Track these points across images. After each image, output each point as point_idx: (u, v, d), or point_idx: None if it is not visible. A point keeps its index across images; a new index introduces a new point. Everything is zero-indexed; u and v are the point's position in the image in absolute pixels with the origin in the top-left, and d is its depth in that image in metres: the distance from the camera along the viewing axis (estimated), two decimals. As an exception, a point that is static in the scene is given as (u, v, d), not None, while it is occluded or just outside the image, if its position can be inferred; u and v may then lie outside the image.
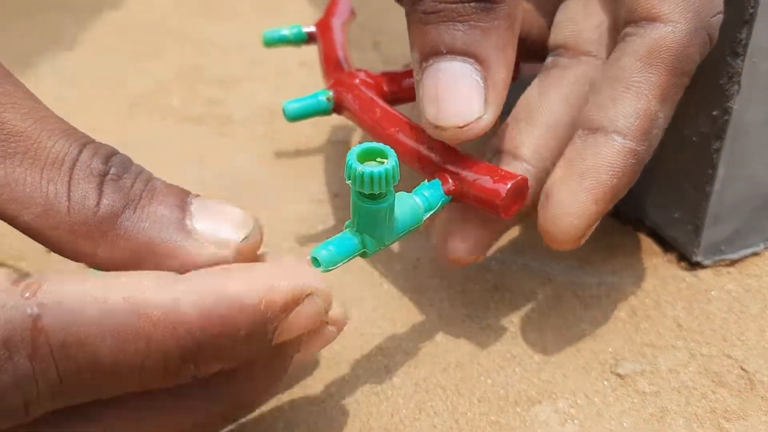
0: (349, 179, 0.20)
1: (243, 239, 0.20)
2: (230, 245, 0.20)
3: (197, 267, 0.19)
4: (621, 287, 0.30)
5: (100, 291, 0.18)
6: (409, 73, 0.30)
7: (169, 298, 0.18)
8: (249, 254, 0.21)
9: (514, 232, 0.33)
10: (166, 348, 0.18)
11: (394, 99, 0.29)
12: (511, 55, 0.24)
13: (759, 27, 0.26)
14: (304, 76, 0.45)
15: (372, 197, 0.21)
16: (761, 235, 0.31)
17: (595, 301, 0.29)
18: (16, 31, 0.49)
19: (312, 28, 0.35)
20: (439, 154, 0.24)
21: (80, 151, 0.20)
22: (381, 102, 0.27)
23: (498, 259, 0.31)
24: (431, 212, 0.23)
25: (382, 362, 0.27)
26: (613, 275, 0.30)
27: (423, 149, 0.25)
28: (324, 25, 0.34)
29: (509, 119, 0.27)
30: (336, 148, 0.39)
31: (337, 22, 0.34)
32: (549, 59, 0.28)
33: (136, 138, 0.39)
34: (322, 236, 0.33)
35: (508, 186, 0.23)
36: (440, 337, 0.28)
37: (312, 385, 0.26)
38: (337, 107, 0.28)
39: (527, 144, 0.26)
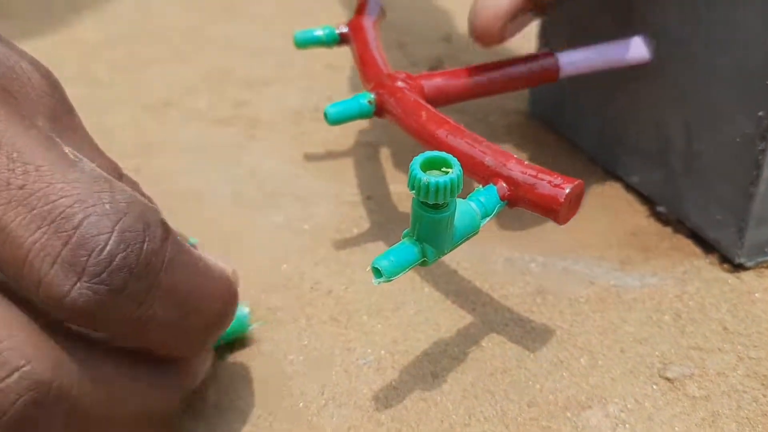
0: (413, 189, 0.20)
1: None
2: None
3: None
4: (664, 289, 0.30)
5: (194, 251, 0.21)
6: (447, 74, 0.29)
7: (220, 267, 0.22)
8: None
9: (553, 235, 0.32)
10: (218, 306, 0.21)
11: (434, 101, 0.29)
12: None
13: (809, 27, 0.25)
14: (331, 78, 0.44)
15: (435, 207, 0.20)
16: (804, 236, 0.31)
17: (638, 303, 0.29)
18: (36, 34, 0.49)
19: (344, 29, 0.35)
20: (493, 158, 0.24)
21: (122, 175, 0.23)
22: (426, 105, 0.27)
23: (539, 263, 0.31)
24: (488, 218, 0.23)
25: (428, 368, 0.27)
26: (655, 277, 0.30)
27: (476, 153, 0.24)
28: (357, 25, 0.34)
29: None
30: (365, 149, 0.38)
31: (369, 23, 0.34)
32: None
33: (164, 140, 0.39)
34: (358, 239, 0.32)
35: (567, 191, 0.23)
36: (485, 341, 0.28)
37: (360, 391, 0.26)
38: (379, 110, 0.28)
39: None
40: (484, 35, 0.28)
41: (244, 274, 0.30)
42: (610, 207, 0.34)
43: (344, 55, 0.44)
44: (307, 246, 0.32)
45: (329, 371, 0.27)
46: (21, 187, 0.18)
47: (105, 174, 0.19)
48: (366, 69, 0.30)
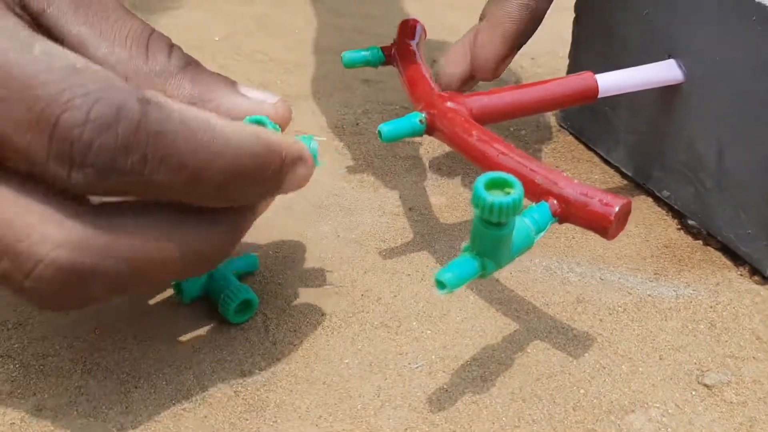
0: (477, 207, 0.22)
1: (278, 101, 0.26)
2: (270, 101, 0.26)
3: (245, 115, 0.25)
4: (698, 300, 0.31)
5: (185, 108, 0.22)
6: (493, 94, 0.31)
7: (231, 131, 0.23)
8: (281, 117, 0.26)
9: (588, 246, 0.34)
10: (221, 169, 0.22)
11: (480, 120, 0.30)
12: None
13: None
14: (366, 93, 0.46)
15: (497, 225, 0.22)
16: (830, 250, 0.32)
17: (674, 313, 0.30)
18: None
19: (390, 50, 0.36)
20: (544, 177, 0.26)
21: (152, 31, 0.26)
22: (476, 124, 0.28)
23: (576, 273, 0.32)
24: (541, 234, 0.25)
25: (477, 372, 0.28)
26: (688, 287, 0.32)
27: (527, 172, 0.26)
28: (403, 47, 0.35)
29: None
30: (404, 162, 0.40)
31: (414, 44, 0.36)
32: None
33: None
34: (403, 249, 0.34)
35: (616, 209, 0.24)
36: (530, 347, 0.29)
37: (414, 393, 0.27)
38: (429, 129, 0.30)
39: None
40: (486, 70, 0.34)
41: (298, 280, 0.32)
42: (642, 220, 0.36)
43: (378, 70, 0.46)
44: (356, 255, 0.33)
45: (383, 374, 0.28)
46: (2, 99, 0.20)
47: (81, 63, 0.21)
48: (415, 89, 0.32)
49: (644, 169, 0.37)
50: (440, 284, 0.23)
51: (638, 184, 0.38)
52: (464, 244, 0.24)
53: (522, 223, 0.24)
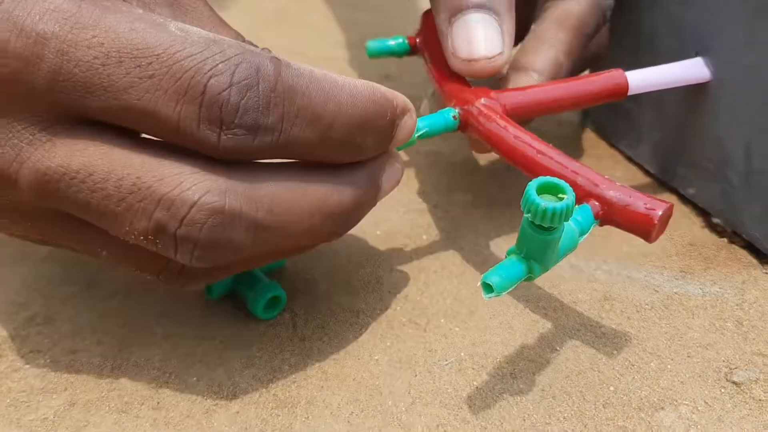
0: (528, 212, 0.22)
1: None
2: None
3: None
4: (724, 297, 0.31)
5: (310, 67, 0.24)
6: (526, 90, 0.31)
7: (351, 82, 0.24)
8: None
9: (614, 244, 0.34)
10: (350, 117, 0.24)
11: (514, 116, 0.30)
12: (513, 12, 0.32)
13: None
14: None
15: (548, 229, 0.22)
16: None
17: (701, 311, 0.31)
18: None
19: (417, 40, 0.36)
20: (586, 179, 0.26)
21: (244, 40, 0.27)
22: (512, 123, 0.28)
23: (603, 270, 0.33)
24: (584, 236, 0.25)
25: (507, 369, 0.28)
26: (715, 285, 0.32)
27: (568, 173, 0.26)
28: (430, 40, 0.35)
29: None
30: (427, 158, 0.40)
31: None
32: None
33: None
34: (429, 246, 0.34)
35: (660, 213, 0.24)
36: (558, 345, 0.29)
37: (444, 390, 0.27)
38: (463, 125, 0.30)
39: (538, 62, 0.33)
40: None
41: (325, 277, 0.32)
42: (666, 218, 0.36)
43: (399, 65, 0.46)
44: (382, 252, 0.34)
45: (413, 371, 0.28)
46: (151, 77, 0.22)
47: (212, 35, 0.22)
48: (447, 85, 0.32)
49: (669, 167, 0.37)
50: (487, 287, 0.23)
51: (661, 181, 0.38)
52: (511, 248, 0.24)
53: (568, 226, 0.24)
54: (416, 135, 0.29)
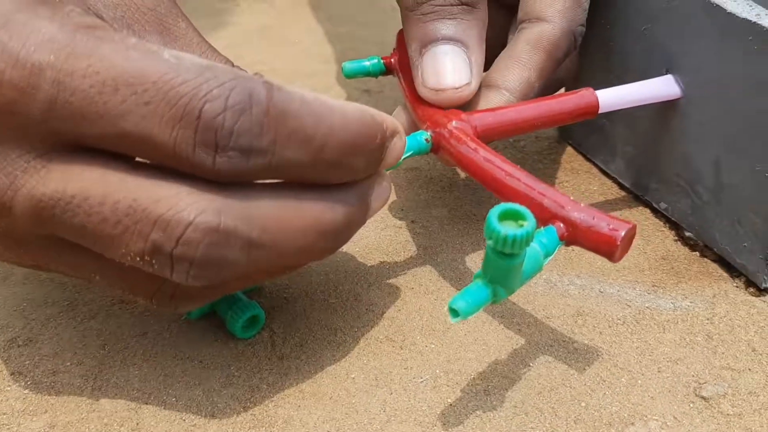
0: (490, 239, 0.22)
1: None
2: None
3: None
4: (695, 312, 0.32)
5: (302, 91, 0.24)
6: (496, 112, 0.31)
7: (342, 105, 0.25)
8: None
9: (587, 259, 0.34)
10: (341, 139, 0.24)
11: (485, 138, 0.31)
12: (484, 44, 0.33)
13: (836, 74, 0.28)
14: (367, 103, 0.46)
15: (509, 255, 0.23)
16: (825, 262, 0.33)
17: (672, 325, 0.31)
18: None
19: (391, 60, 0.37)
20: (551, 201, 0.26)
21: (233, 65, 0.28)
22: (482, 145, 0.29)
23: (576, 285, 0.33)
24: (549, 258, 0.25)
25: (481, 385, 0.29)
26: (686, 300, 0.32)
27: (535, 195, 0.26)
28: (403, 61, 0.36)
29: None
30: (405, 174, 0.41)
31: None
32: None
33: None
34: (406, 263, 0.34)
35: (622, 234, 0.25)
36: (532, 361, 0.30)
37: (419, 408, 0.28)
38: (436, 147, 0.30)
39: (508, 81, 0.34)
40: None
41: (303, 294, 0.32)
42: (640, 232, 0.36)
43: (379, 79, 0.46)
44: (360, 269, 0.34)
45: (389, 389, 0.29)
46: (147, 103, 0.22)
47: (205, 62, 0.23)
48: (419, 107, 0.32)
49: (642, 181, 0.38)
50: (453, 312, 0.23)
51: (636, 195, 0.38)
52: (477, 272, 0.25)
53: (532, 249, 0.25)
54: (404, 157, 0.29)
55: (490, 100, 0.33)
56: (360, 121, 0.25)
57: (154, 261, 0.23)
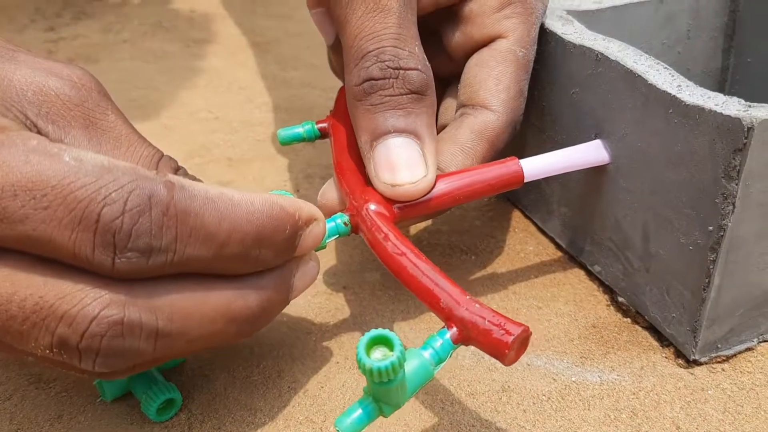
0: (362, 371, 0.22)
1: None
2: None
3: None
4: (621, 385, 0.31)
5: (205, 186, 0.25)
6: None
7: (249, 199, 0.26)
8: None
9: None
10: (244, 234, 0.25)
11: (407, 218, 0.30)
12: (435, 131, 0.32)
13: (752, 155, 0.27)
14: (310, 155, 0.46)
15: (383, 383, 0.23)
16: (755, 331, 0.32)
17: (597, 401, 0.31)
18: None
19: (324, 124, 0.36)
20: (448, 299, 0.26)
21: (162, 155, 0.29)
22: (397, 231, 0.28)
23: (504, 357, 0.33)
24: (442, 364, 0.25)
25: (398, 471, 0.28)
26: (613, 372, 0.32)
27: (436, 291, 0.26)
28: (336, 126, 0.35)
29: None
30: (340, 240, 0.40)
31: (347, 121, 0.36)
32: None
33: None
34: (334, 333, 0.34)
35: (512, 337, 0.24)
36: (453, 442, 0.29)
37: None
38: (354, 229, 0.30)
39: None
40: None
41: (225, 372, 0.32)
42: (572, 296, 0.36)
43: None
44: (286, 341, 0.34)
45: (305, 475, 0.28)
46: (46, 208, 0.23)
47: (108, 162, 0.24)
48: (342, 181, 0.32)
49: (576, 243, 0.37)
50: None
51: (572, 256, 0.38)
52: (365, 386, 0.24)
53: (420, 360, 0.25)
54: (326, 241, 0.30)
55: (435, 186, 0.32)
56: (267, 214, 0.26)
57: (62, 352, 0.24)
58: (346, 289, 0.36)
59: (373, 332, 0.22)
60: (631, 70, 0.31)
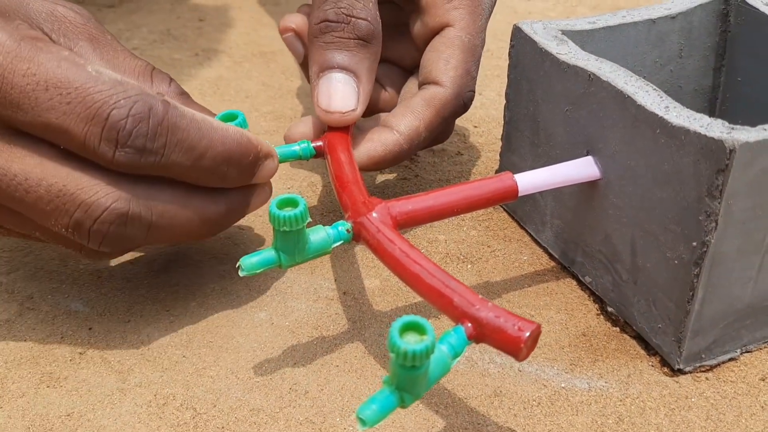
0: (392, 353, 0.23)
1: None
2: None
3: None
4: (609, 393, 0.33)
5: (193, 111, 0.32)
6: (416, 199, 0.32)
7: (225, 127, 0.33)
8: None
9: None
10: (217, 152, 0.32)
11: (405, 225, 0.32)
12: (373, 77, 0.38)
13: (734, 176, 0.29)
14: (314, 164, 0.47)
15: (412, 367, 0.24)
16: (738, 342, 0.34)
17: (585, 407, 0.32)
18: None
19: (320, 142, 0.38)
20: (461, 299, 0.27)
21: (154, 68, 0.36)
22: (401, 237, 0.30)
23: (497, 363, 0.34)
24: (458, 358, 0.26)
25: (393, 471, 0.30)
26: (601, 379, 0.33)
27: (447, 292, 0.27)
28: (332, 143, 0.37)
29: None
30: (341, 247, 0.41)
31: (343, 138, 0.37)
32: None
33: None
34: (335, 338, 0.35)
35: (527, 334, 0.26)
36: (446, 444, 0.31)
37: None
38: (356, 237, 0.31)
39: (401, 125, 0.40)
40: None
41: (229, 372, 0.33)
42: (563, 305, 0.37)
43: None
44: (288, 344, 0.35)
45: (304, 473, 0.29)
46: (68, 103, 0.29)
47: (120, 78, 0.30)
48: (343, 194, 0.33)
49: (569, 254, 0.39)
50: (362, 421, 0.24)
51: (564, 266, 0.39)
52: (386, 377, 0.25)
53: (439, 353, 0.26)
54: (332, 246, 0.31)
55: (382, 136, 0.39)
56: (237, 141, 0.33)
57: (75, 232, 0.30)
58: (346, 294, 0.38)
59: (407, 318, 0.24)
60: (621, 91, 0.33)
